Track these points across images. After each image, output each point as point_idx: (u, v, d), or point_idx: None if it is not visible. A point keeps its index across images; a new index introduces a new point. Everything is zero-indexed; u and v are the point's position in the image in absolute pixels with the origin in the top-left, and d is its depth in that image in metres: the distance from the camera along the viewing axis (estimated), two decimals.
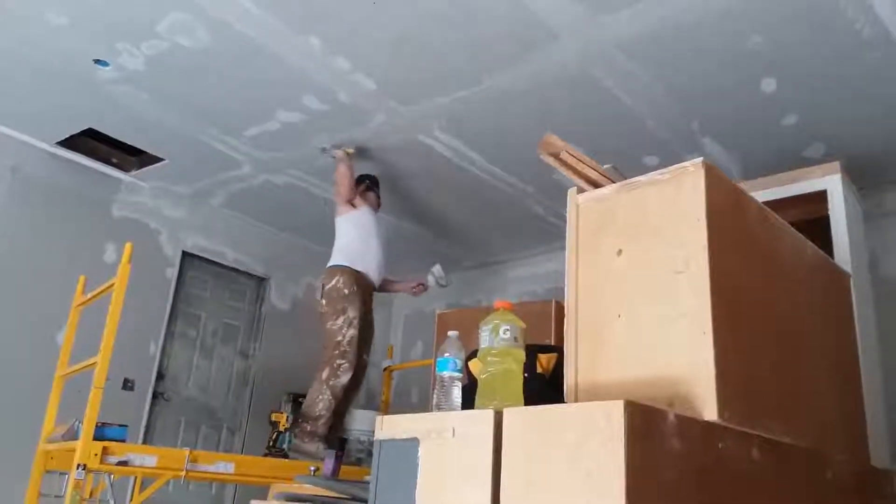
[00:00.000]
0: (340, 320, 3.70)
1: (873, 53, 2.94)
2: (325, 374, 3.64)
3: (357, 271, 3.84)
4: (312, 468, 3.02)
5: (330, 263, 3.89)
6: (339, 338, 3.68)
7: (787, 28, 2.83)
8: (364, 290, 3.83)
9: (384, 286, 4.20)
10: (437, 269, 4.19)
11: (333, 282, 3.78)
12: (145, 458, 3.00)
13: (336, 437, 3.57)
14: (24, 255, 4.17)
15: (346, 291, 3.75)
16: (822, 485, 1.67)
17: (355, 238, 3.91)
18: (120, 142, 4.25)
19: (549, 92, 3.37)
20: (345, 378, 3.63)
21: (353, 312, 3.71)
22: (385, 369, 5.45)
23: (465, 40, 3.04)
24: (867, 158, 3.68)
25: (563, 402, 1.49)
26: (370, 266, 3.91)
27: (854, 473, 1.85)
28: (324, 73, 3.36)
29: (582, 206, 1.65)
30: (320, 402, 3.60)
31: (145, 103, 3.75)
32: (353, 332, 3.69)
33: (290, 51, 3.20)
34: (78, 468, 2.75)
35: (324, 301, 3.79)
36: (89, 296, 3.53)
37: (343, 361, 3.65)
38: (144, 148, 4.32)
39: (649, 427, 1.16)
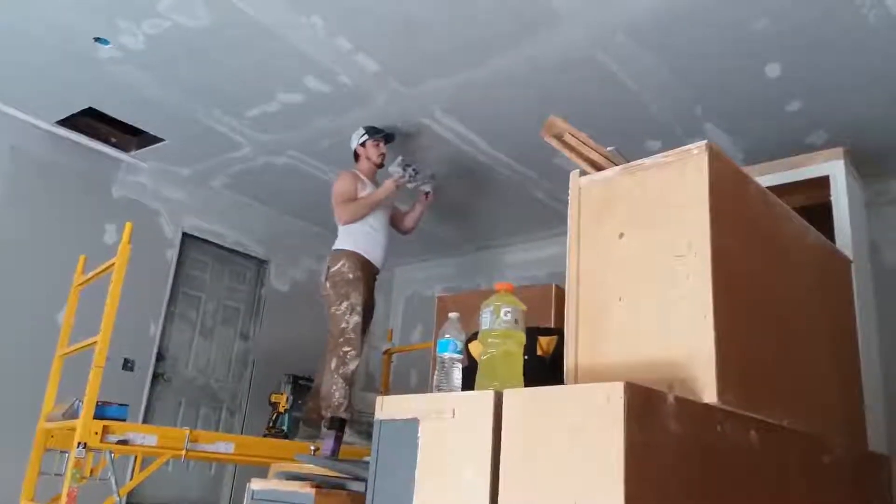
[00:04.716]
0: (344, 306, 3.67)
1: (879, 39, 2.91)
2: (333, 364, 3.63)
3: (364, 257, 3.79)
4: (313, 448, 3.03)
5: (336, 247, 3.84)
6: (344, 325, 3.66)
7: (793, 12, 2.80)
8: (368, 275, 3.81)
9: (402, 229, 4.21)
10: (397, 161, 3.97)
11: (338, 265, 3.73)
12: (145, 437, 3.02)
13: (335, 419, 3.59)
14: (23, 235, 4.16)
15: (350, 276, 3.70)
16: (819, 469, 1.68)
17: (359, 223, 3.84)
18: (120, 121, 4.23)
19: (552, 74, 3.35)
20: (353, 365, 3.63)
21: (356, 298, 3.68)
22: (385, 352, 5.47)
23: (467, 21, 3.02)
24: (870, 146, 3.66)
25: (563, 385, 1.49)
26: (376, 253, 3.86)
27: (851, 458, 1.86)
28: (325, 54, 3.34)
29: (584, 188, 1.64)
30: (336, 391, 3.59)
31: (145, 83, 3.73)
32: (356, 318, 3.66)
33: (290, 30, 3.18)
34: (78, 446, 2.76)
35: (328, 284, 3.75)
36: (89, 275, 3.52)
37: (349, 349, 3.63)
38: (144, 128, 4.30)
39: (649, 409, 1.16)
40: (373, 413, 1.49)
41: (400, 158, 3.93)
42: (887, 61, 3.06)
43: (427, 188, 4.09)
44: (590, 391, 1.17)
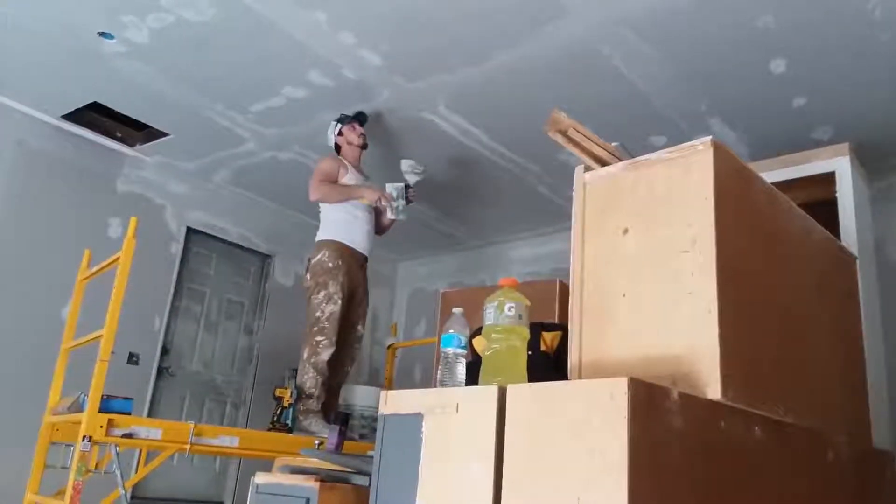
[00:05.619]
0: (321, 295, 3.64)
1: (884, 35, 2.90)
2: (305, 353, 3.62)
3: (344, 245, 3.76)
4: (317, 442, 3.04)
5: (317, 238, 3.82)
6: (318, 313, 3.63)
7: (798, 8, 2.79)
8: (351, 263, 3.76)
9: (377, 229, 4.03)
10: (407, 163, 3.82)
11: (319, 256, 3.72)
12: (150, 430, 3.02)
13: (339, 413, 3.59)
14: (28, 229, 4.17)
15: (329, 265, 3.68)
16: (823, 465, 1.68)
17: (340, 210, 3.80)
18: (125, 116, 4.23)
19: (557, 69, 3.34)
20: (325, 354, 3.60)
21: (333, 287, 3.64)
22: (389, 347, 5.48)
23: (471, 15, 3.01)
24: (876, 142, 3.65)
25: (567, 380, 1.49)
26: (359, 239, 3.82)
27: (855, 454, 1.86)
28: (329, 48, 3.34)
29: (589, 183, 1.64)
30: (307, 380, 3.59)
31: (150, 77, 3.73)
32: (332, 307, 3.63)
33: (294, 25, 3.18)
34: (84, 440, 2.77)
35: (308, 275, 3.74)
36: (94, 270, 3.53)
37: (322, 338, 3.60)
38: (149, 123, 4.30)
39: (652, 405, 1.16)
40: (375, 407, 1.50)
41: (402, 185, 3.83)
42: (893, 57, 3.04)
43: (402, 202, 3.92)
44: (594, 387, 1.17)
